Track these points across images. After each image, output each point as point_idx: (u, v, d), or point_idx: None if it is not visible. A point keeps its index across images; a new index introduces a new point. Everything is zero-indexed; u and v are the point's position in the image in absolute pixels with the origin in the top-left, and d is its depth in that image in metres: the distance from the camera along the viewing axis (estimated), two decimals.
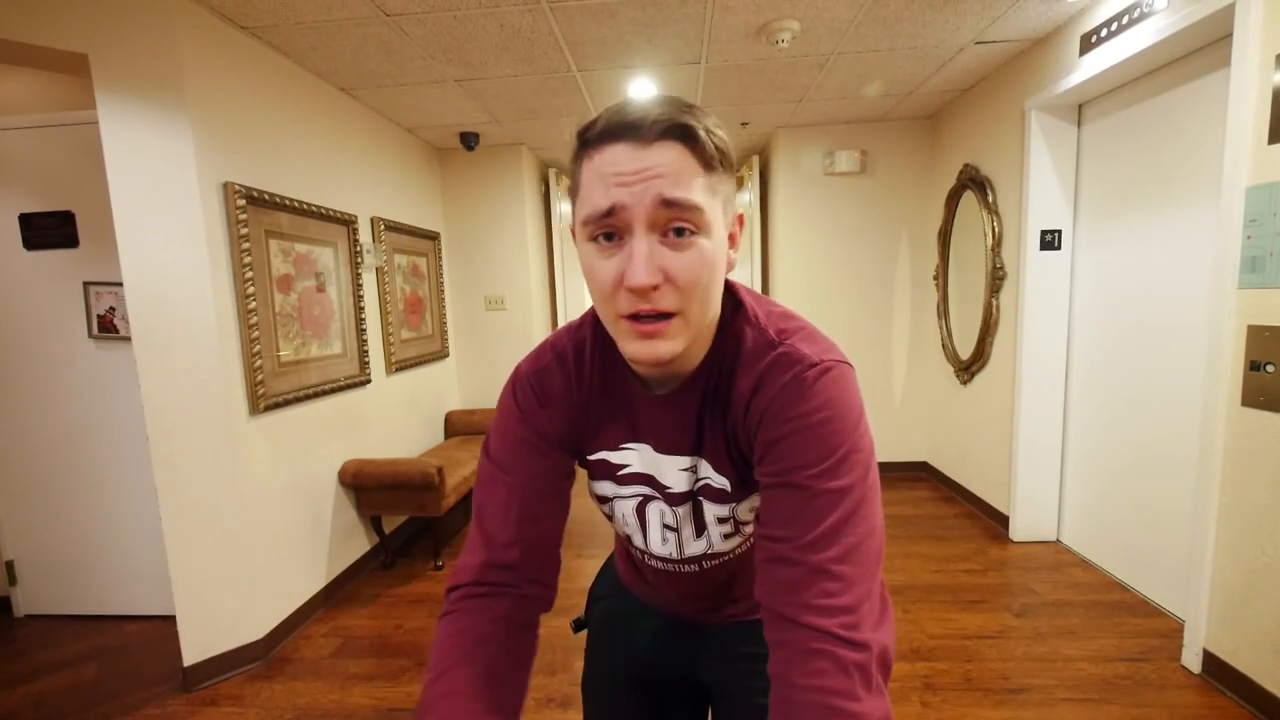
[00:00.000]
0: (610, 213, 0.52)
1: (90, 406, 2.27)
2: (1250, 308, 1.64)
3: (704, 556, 0.74)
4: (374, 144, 3.05)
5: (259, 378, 2.09)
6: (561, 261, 4.39)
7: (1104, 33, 2.12)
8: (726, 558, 0.75)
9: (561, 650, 2.06)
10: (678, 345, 0.55)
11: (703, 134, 0.52)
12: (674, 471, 0.68)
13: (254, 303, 2.08)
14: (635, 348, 0.56)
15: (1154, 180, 2.18)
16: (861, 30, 2.33)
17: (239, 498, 2.02)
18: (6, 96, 2.42)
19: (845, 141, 3.61)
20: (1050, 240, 2.61)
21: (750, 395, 0.60)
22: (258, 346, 2.09)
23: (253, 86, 2.17)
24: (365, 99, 2.88)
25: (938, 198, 3.47)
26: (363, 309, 2.81)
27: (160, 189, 1.85)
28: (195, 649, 1.97)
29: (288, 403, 2.26)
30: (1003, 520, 2.90)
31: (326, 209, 2.54)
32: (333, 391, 2.57)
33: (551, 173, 4.25)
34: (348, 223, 2.71)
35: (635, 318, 0.54)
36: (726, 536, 0.72)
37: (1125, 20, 2.02)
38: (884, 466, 3.82)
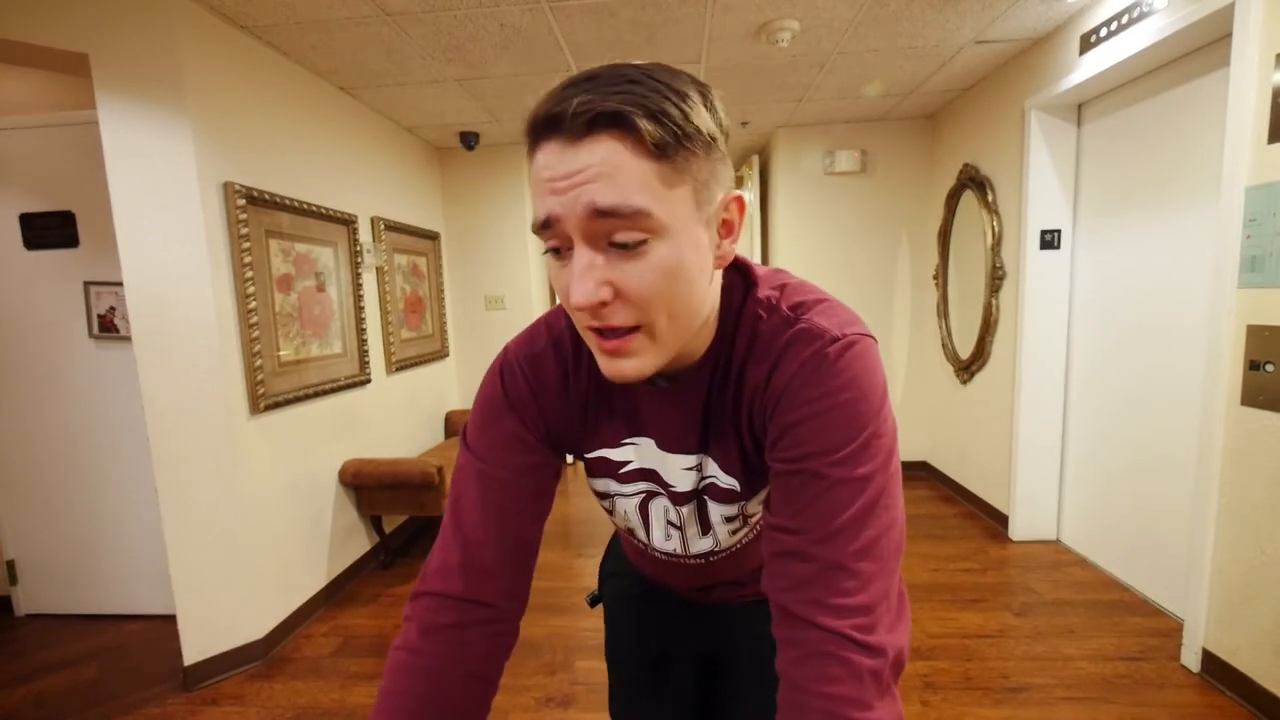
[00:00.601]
0: (547, 224, 0.46)
1: (90, 406, 2.28)
2: (1250, 307, 1.64)
3: (709, 553, 0.73)
4: (374, 144, 3.05)
5: (259, 377, 2.09)
6: None
7: (1104, 32, 2.12)
8: (732, 549, 0.73)
9: (562, 650, 2.06)
10: (645, 363, 0.50)
11: (642, 120, 0.43)
12: (678, 470, 0.64)
13: (254, 302, 2.08)
14: (602, 364, 0.51)
15: (1154, 180, 2.18)
16: (861, 30, 2.33)
17: (239, 497, 2.02)
18: (6, 96, 2.42)
19: (845, 141, 3.61)
20: (1050, 240, 2.61)
21: (767, 378, 0.54)
22: (258, 346, 2.09)
23: (253, 86, 2.17)
24: (365, 98, 2.88)
25: (937, 197, 3.47)
26: (363, 309, 2.81)
27: (160, 189, 1.85)
28: (195, 648, 1.97)
29: (288, 402, 2.26)
30: (1002, 520, 2.90)
31: (326, 209, 2.54)
32: (333, 391, 2.57)
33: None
34: (348, 222, 2.71)
35: (596, 332, 0.49)
36: (733, 532, 0.69)
37: (1125, 20, 2.02)
38: None
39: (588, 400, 0.64)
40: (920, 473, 3.84)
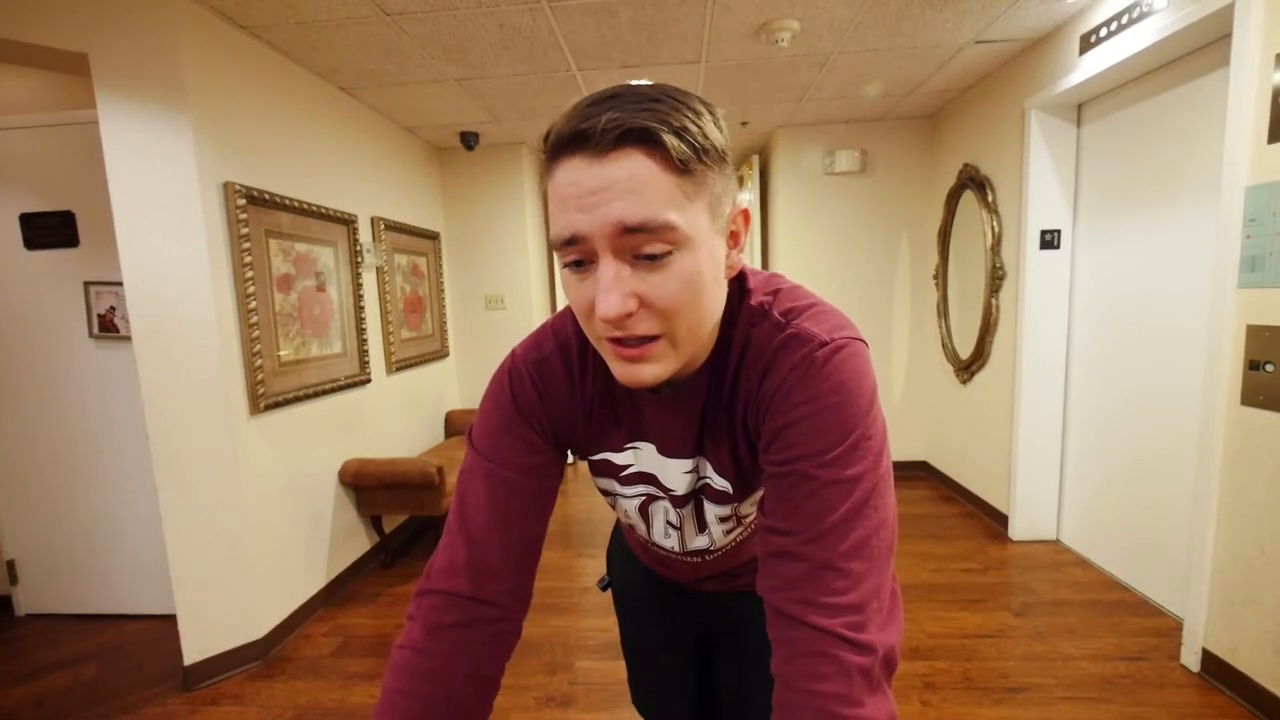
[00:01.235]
0: (572, 241, 0.47)
1: (91, 406, 2.28)
2: (1250, 307, 1.64)
3: (705, 550, 0.75)
4: (374, 144, 3.05)
5: (259, 377, 2.09)
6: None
7: (1104, 32, 2.12)
8: (727, 548, 0.76)
9: (562, 650, 2.06)
10: (663, 369, 0.52)
11: (668, 136, 0.45)
12: (677, 474, 0.66)
13: (254, 302, 2.08)
14: (618, 371, 0.53)
15: (1154, 180, 2.18)
16: (861, 30, 2.33)
17: (239, 497, 2.02)
18: (6, 96, 2.42)
19: (845, 141, 3.61)
20: (1050, 240, 2.61)
21: (759, 383, 0.56)
22: (258, 346, 2.09)
23: (253, 86, 2.17)
24: (365, 98, 2.88)
25: (937, 197, 3.47)
26: (363, 309, 2.81)
27: (160, 189, 1.85)
28: (196, 648, 1.97)
29: (288, 402, 2.26)
30: (1002, 520, 2.90)
31: (326, 209, 2.54)
32: (333, 391, 2.57)
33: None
34: (348, 222, 2.71)
35: (616, 341, 0.50)
36: (727, 532, 0.72)
37: (1125, 20, 2.02)
38: None
39: (593, 405, 0.65)
40: (920, 473, 3.84)
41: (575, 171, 0.46)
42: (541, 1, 2.02)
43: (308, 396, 2.38)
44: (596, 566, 1.06)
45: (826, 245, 3.72)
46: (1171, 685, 1.78)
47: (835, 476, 0.50)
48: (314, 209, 2.44)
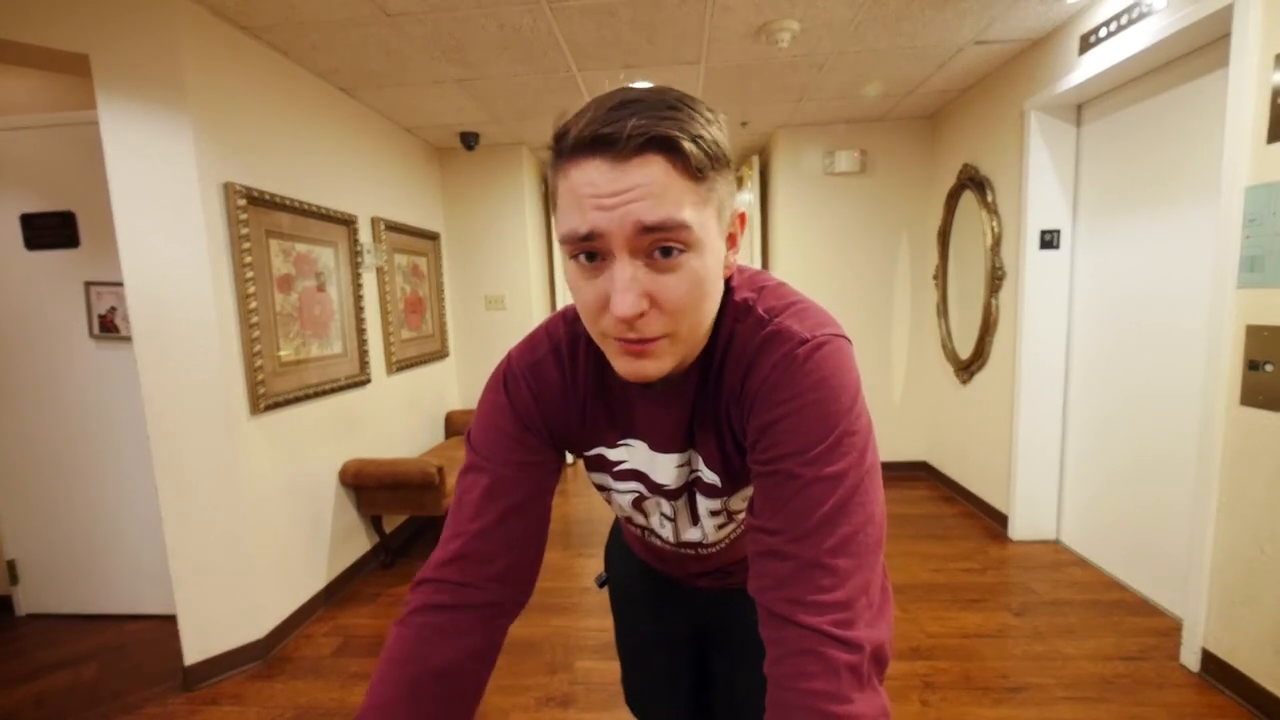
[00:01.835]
0: (588, 237, 0.48)
1: (91, 406, 2.28)
2: (1249, 307, 1.64)
3: (699, 544, 0.76)
4: (374, 144, 3.05)
5: (259, 377, 2.10)
6: (561, 261, 4.39)
7: (1103, 33, 2.12)
8: (721, 545, 0.77)
9: (561, 650, 2.06)
10: (665, 365, 0.53)
11: (688, 143, 0.47)
12: (669, 469, 0.67)
13: (254, 303, 2.08)
14: (621, 365, 0.54)
15: (1153, 180, 2.18)
16: (861, 30, 2.34)
17: (239, 497, 2.02)
18: (6, 96, 2.42)
19: (845, 141, 3.62)
20: (1049, 240, 2.61)
21: (742, 380, 0.57)
22: (258, 346, 2.09)
23: (253, 86, 2.17)
24: (366, 99, 2.88)
25: (937, 198, 3.47)
26: (363, 309, 2.81)
27: (161, 189, 1.85)
28: (196, 648, 1.97)
29: (288, 402, 2.26)
30: (1002, 520, 2.90)
31: (327, 209, 2.54)
32: (333, 391, 2.57)
33: (551, 173, 4.24)
34: (348, 223, 2.71)
35: (623, 339, 0.52)
36: (719, 527, 0.72)
37: (1124, 20, 2.02)
38: (884, 466, 3.79)
39: (586, 404, 0.67)
40: (920, 473, 3.84)
41: (596, 173, 0.47)
42: (541, 2, 2.02)
43: (308, 397, 2.39)
44: (596, 566, 1.06)
45: (826, 245, 3.72)
46: (1171, 685, 1.79)
47: (819, 474, 0.51)
48: (314, 209, 2.44)
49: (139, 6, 1.79)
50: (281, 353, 2.25)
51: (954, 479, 3.47)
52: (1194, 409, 1.95)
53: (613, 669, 1.95)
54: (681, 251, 0.49)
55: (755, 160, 4.20)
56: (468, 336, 4.01)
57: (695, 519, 0.72)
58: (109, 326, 2.25)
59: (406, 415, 3.29)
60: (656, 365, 0.53)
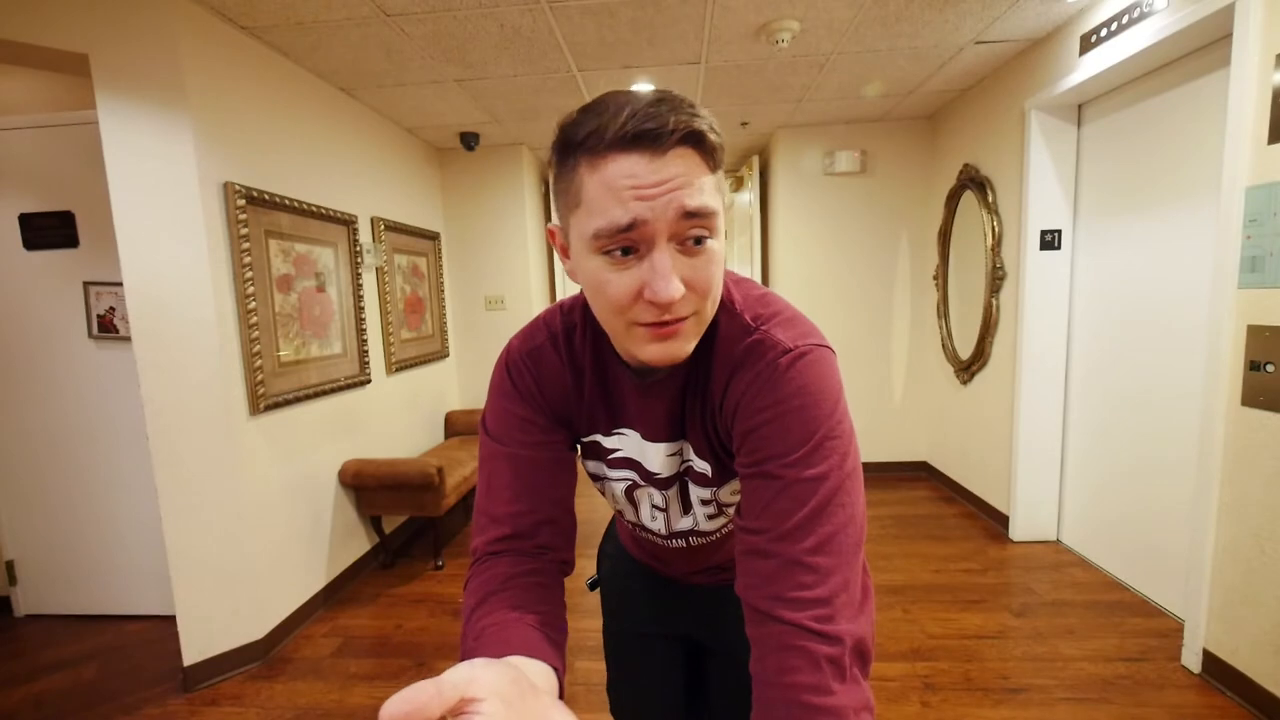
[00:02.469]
0: (630, 227, 0.50)
1: (90, 406, 2.27)
2: (1250, 308, 1.64)
3: (690, 533, 0.77)
4: (374, 144, 3.05)
5: (259, 378, 2.09)
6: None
7: (1104, 33, 2.12)
8: (713, 537, 0.77)
9: None
10: (690, 344, 0.56)
11: (712, 137, 0.51)
12: (661, 458, 0.68)
13: (254, 303, 2.08)
14: (651, 350, 0.55)
15: (1154, 180, 2.18)
16: (861, 30, 2.33)
17: (239, 497, 2.02)
18: (6, 96, 2.42)
19: (845, 141, 3.62)
20: (1050, 240, 2.61)
21: (726, 383, 0.60)
22: (258, 346, 2.09)
23: (253, 86, 2.17)
24: (365, 99, 2.88)
25: (938, 198, 3.47)
26: (363, 309, 2.81)
27: (160, 189, 1.85)
28: (195, 649, 1.97)
29: (288, 403, 2.26)
30: (1002, 520, 2.90)
31: (326, 209, 2.54)
32: (333, 391, 2.57)
33: (552, 173, 4.24)
34: (348, 223, 2.71)
35: (655, 324, 0.53)
36: (710, 517, 0.73)
37: (1125, 20, 2.02)
38: (884, 466, 3.83)
39: (584, 391, 0.68)
40: (920, 473, 3.84)
41: (636, 165, 0.49)
42: (541, 2, 2.02)
43: (308, 397, 2.38)
44: (594, 567, 1.06)
45: (827, 245, 3.71)
46: (1172, 686, 1.78)
47: (800, 475, 0.53)
48: (314, 209, 2.44)
49: (139, 6, 1.79)
50: (281, 353, 2.25)
51: (954, 479, 3.47)
52: (1195, 409, 1.95)
53: None
54: (709, 237, 0.52)
55: (755, 160, 4.20)
56: (467, 337, 4.00)
57: (687, 508, 0.73)
58: (108, 327, 2.24)
59: (406, 415, 3.29)
60: (683, 345, 0.55)
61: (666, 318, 0.53)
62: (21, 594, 2.40)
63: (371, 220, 2.97)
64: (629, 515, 0.79)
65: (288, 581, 2.28)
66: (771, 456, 0.54)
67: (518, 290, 3.95)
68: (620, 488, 0.74)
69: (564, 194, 0.55)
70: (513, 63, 2.52)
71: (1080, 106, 2.53)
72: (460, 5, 2.02)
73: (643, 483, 0.72)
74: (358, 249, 2.77)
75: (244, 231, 2.04)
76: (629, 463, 0.71)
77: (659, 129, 0.48)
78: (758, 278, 4.20)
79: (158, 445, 1.90)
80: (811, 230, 3.71)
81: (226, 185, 1.99)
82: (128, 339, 2.17)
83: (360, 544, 2.79)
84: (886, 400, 3.81)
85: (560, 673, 0.51)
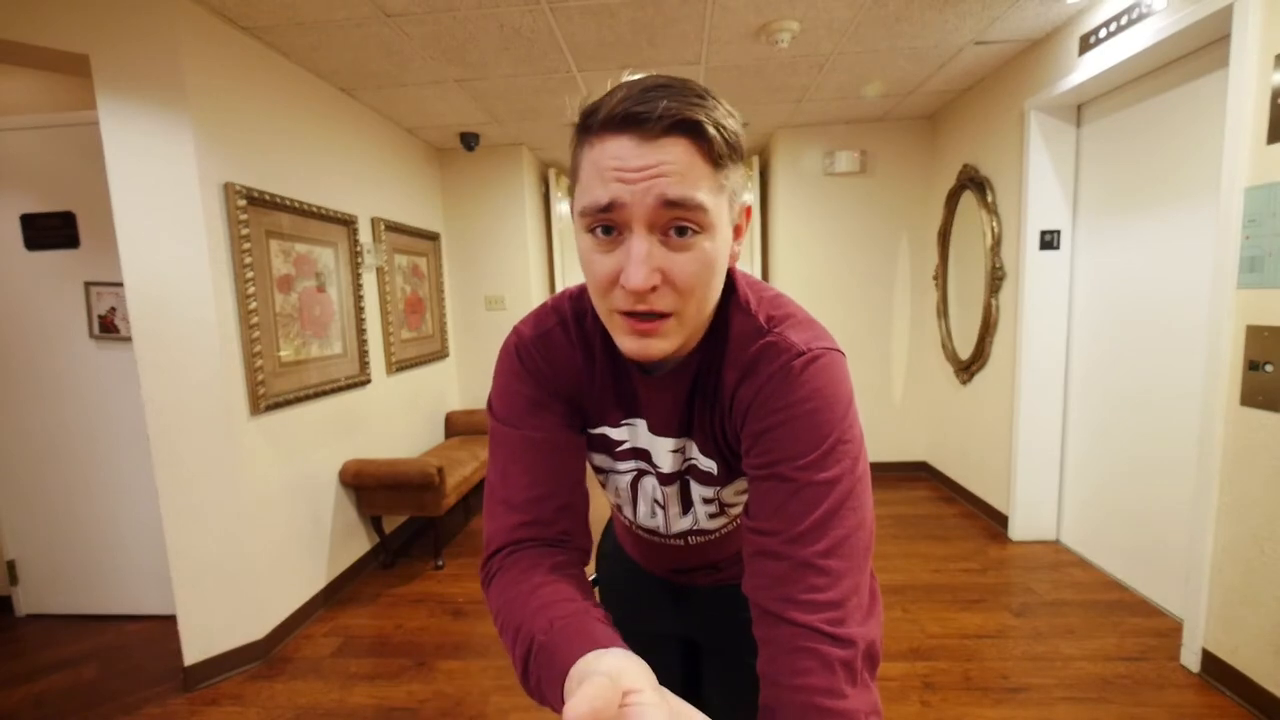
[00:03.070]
0: (608, 208, 0.50)
1: (91, 406, 2.28)
2: (1249, 308, 1.64)
3: (689, 533, 0.76)
4: (374, 144, 3.05)
5: (259, 378, 2.10)
6: (561, 261, 4.40)
7: (1103, 33, 2.12)
8: (712, 536, 0.77)
9: None
10: (669, 345, 0.55)
11: (712, 130, 0.50)
12: (665, 452, 0.68)
13: (254, 303, 2.08)
14: (627, 343, 0.55)
15: (1153, 180, 2.18)
16: (861, 30, 2.34)
17: (239, 497, 2.02)
18: (7, 96, 2.42)
19: (845, 141, 3.62)
20: (1049, 240, 2.61)
21: (737, 385, 0.59)
22: (258, 346, 2.09)
23: (253, 86, 2.17)
24: (366, 99, 2.88)
25: (937, 198, 3.47)
26: (363, 309, 2.81)
27: (161, 189, 1.86)
28: (196, 648, 1.97)
29: (288, 403, 2.26)
30: (1002, 520, 2.90)
31: (327, 209, 2.54)
32: (333, 391, 2.57)
33: (551, 173, 4.25)
34: (348, 223, 2.71)
35: (630, 314, 0.53)
36: (712, 516, 0.73)
37: (1124, 20, 2.02)
38: (884, 466, 3.83)
39: (594, 377, 0.68)
40: (920, 473, 3.84)
41: (623, 148, 0.49)
42: (541, 2, 2.02)
43: (308, 397, 2.38)
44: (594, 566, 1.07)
45: (826, 245, 3.72)
46: (1171, 686, 1.79)
47: (813, 479, 0.52)
48: (314, 210, 2.44)
49: (139, 7, 1.79)
50: (281, 353, 2.25)
51: (954, 479, 3.47)
52: (1194, 409, 1.95)
53: None
54: (696, 232, 0.51)
55: (755, 161, 4.20)
56: (468, 337, 4.01)
57: (688, 507, 0.73)
58: (109, 327, 2.25)
59: (406, 415, 3.29)
60: (661, 345, 0.54)
61: (640, 308, 0.52)
62: (22, 594, 2.40)
63: (372, 220, 2.97)
64: (626, 512, 0.79)
65: (288, 581, 2.28)
66: (784, 459, 0.54)
67: (518, 290, 3.95)
68: (626, 480, 0.74)
69: (573, 171, 0.56)
70: (513, 63, 2.52)
71: (1080, 107, 2.53)
72: (460, 5, 2.02)
73: (649, 470, 0.71)
74: (358, 249, 2.77)
75: (244, 232, 2.04)
76: (637, 453, 0.71)
77: (647, 113, 0.48)
78: (757, 277, 4.19)
79: (158, 445, 1.90)
80: (811, 230, 3.72)
81: (227, 185, 1.99)
82: (128, 339, 2.18)
83: (360, 544, 2.79)
84: (886, 400, 3.81)
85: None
